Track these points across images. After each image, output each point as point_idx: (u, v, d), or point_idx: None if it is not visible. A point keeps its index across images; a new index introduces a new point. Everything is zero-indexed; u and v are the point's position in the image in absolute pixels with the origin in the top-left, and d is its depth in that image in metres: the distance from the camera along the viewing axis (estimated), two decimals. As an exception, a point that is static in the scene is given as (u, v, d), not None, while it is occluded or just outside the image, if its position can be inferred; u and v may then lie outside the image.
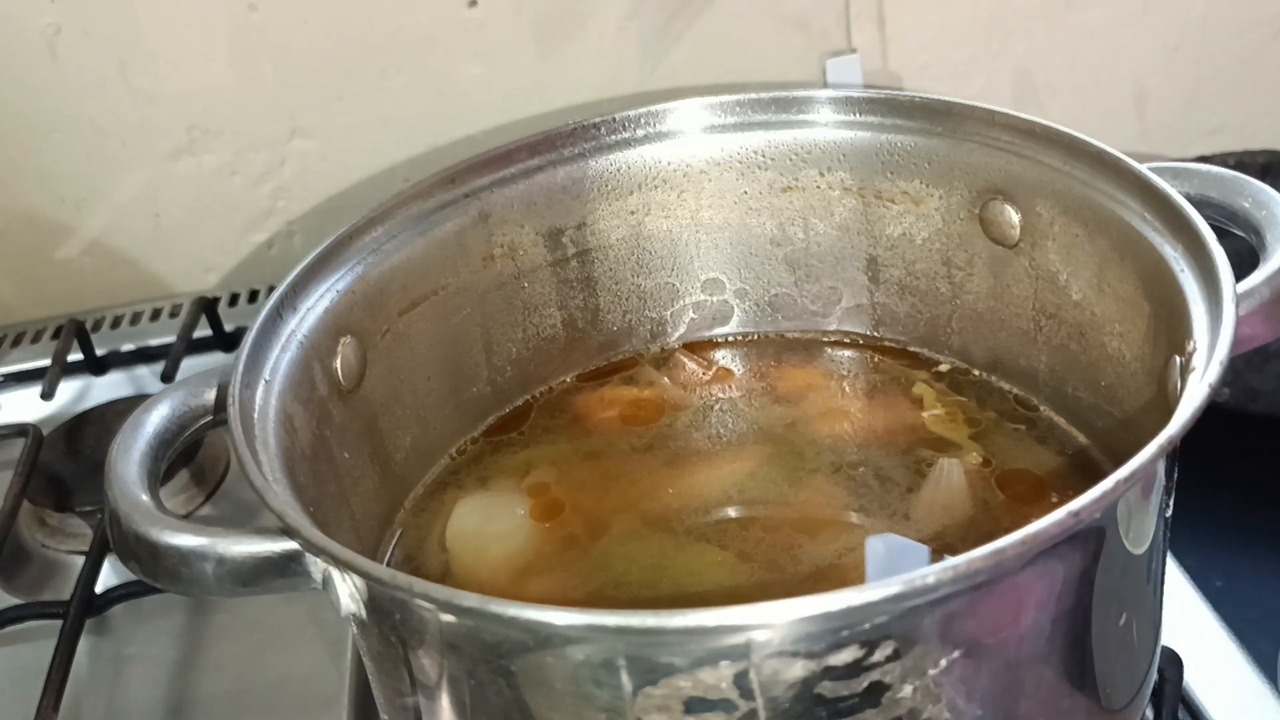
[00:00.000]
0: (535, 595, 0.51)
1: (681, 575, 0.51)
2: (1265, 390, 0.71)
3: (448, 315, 0.58)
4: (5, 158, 0.86)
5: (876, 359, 0.62)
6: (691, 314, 0.64)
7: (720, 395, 0.62)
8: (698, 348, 0.64)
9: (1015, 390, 0.58)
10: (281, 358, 0.49)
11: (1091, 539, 0.39)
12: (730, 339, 0.65)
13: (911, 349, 0.62)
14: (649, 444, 0.59)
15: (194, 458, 0.71)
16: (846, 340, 0.63)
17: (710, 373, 0.63)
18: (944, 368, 0.60)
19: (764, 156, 0.61)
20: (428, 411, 0.58)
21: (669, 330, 0.64)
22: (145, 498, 0.44)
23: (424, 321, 0.57)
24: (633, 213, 0.61)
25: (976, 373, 0.60)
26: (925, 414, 0.58)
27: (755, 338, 0.65)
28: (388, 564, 0.54)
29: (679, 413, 0.61)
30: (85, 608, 0.61)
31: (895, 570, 0.47)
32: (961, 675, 0.38)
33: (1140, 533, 0.41)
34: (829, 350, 0.63)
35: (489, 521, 0.56)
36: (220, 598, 0.60)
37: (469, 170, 0.58)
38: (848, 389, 0.60)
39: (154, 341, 0.85)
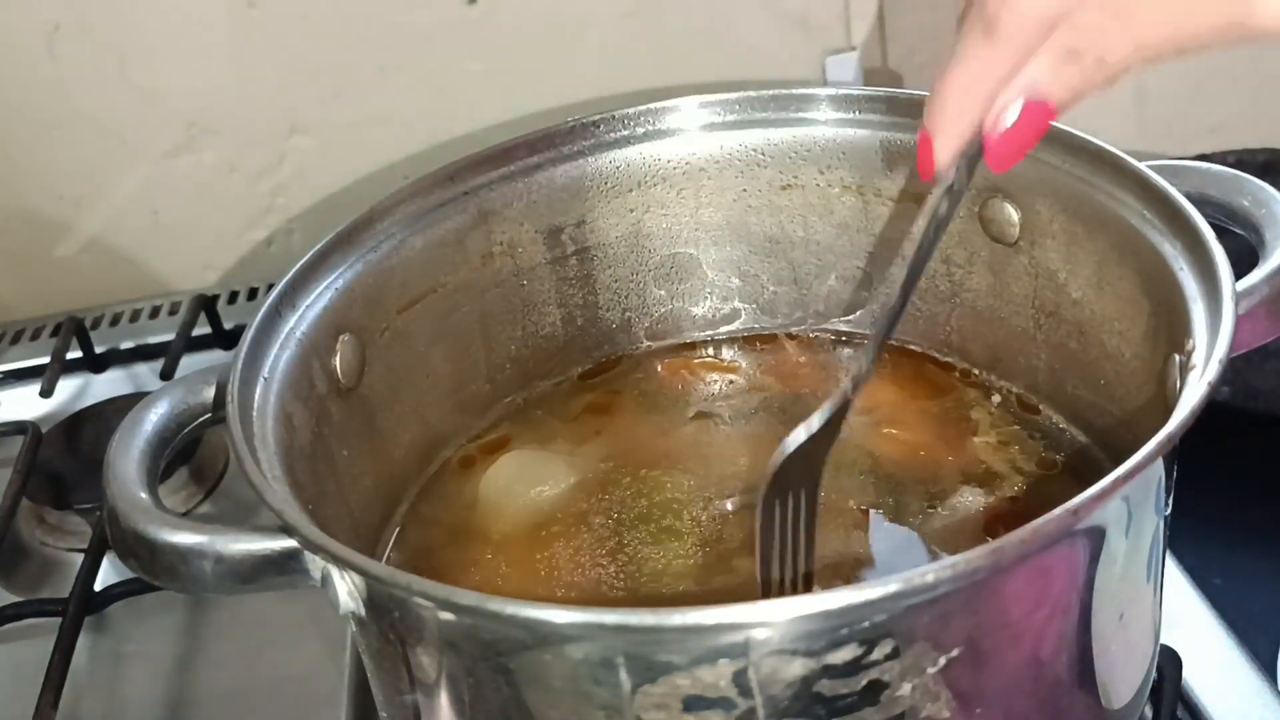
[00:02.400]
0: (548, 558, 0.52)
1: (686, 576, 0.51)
2: (1265, 388, 0.71)
3: (447, 313, 0.58)
4: (4, 155, 0.86)
5: (921, 370, 0.61)
6: (691, 312, 0.64)
7: (724, 396, 0.62)
8: (699, 346, 0.64)
9: (1015, 389, 0.58)
10: (280, 355, 0.49)
11: (1090, 537, 0.39)
12: (731, 337, 0.65)
13: (975, 371, 0.60)
14: (659, 444, 0.59)
15: (193, 455, 0.71)
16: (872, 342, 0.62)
17: (715, 372, 0.63)
18: (996, 398, 0.58)
19: (763, 154, 0.61)
20: (427, 409, 0.58)
21: (668, 328, 0.64)
22: (144, 495, 0.44)
23: (423, 319, 0.57)
24: (632, 210, 0.61)
25: (1041, 407, 0.57)
26: (977, 439, 0.56)
27: (757, 336, 0.64)
28: (386, 562, 0.54)
29: (687, 412, 0.61)
30: (84, 605, 0.61)
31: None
32: (960, 673, 0.38)
33: (1139, 531, 0.41)
34: (845, 351, 0.63)
35: (527, 473, 0.57)
36: (219, 595, 0.60)
37: (468, 168, 0.58)
38: (891, 399, 0.59)
39: (153, 339, 0.85)
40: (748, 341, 0.64)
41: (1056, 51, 0.38)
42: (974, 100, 0.40)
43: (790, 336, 0.64)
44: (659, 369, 0.63)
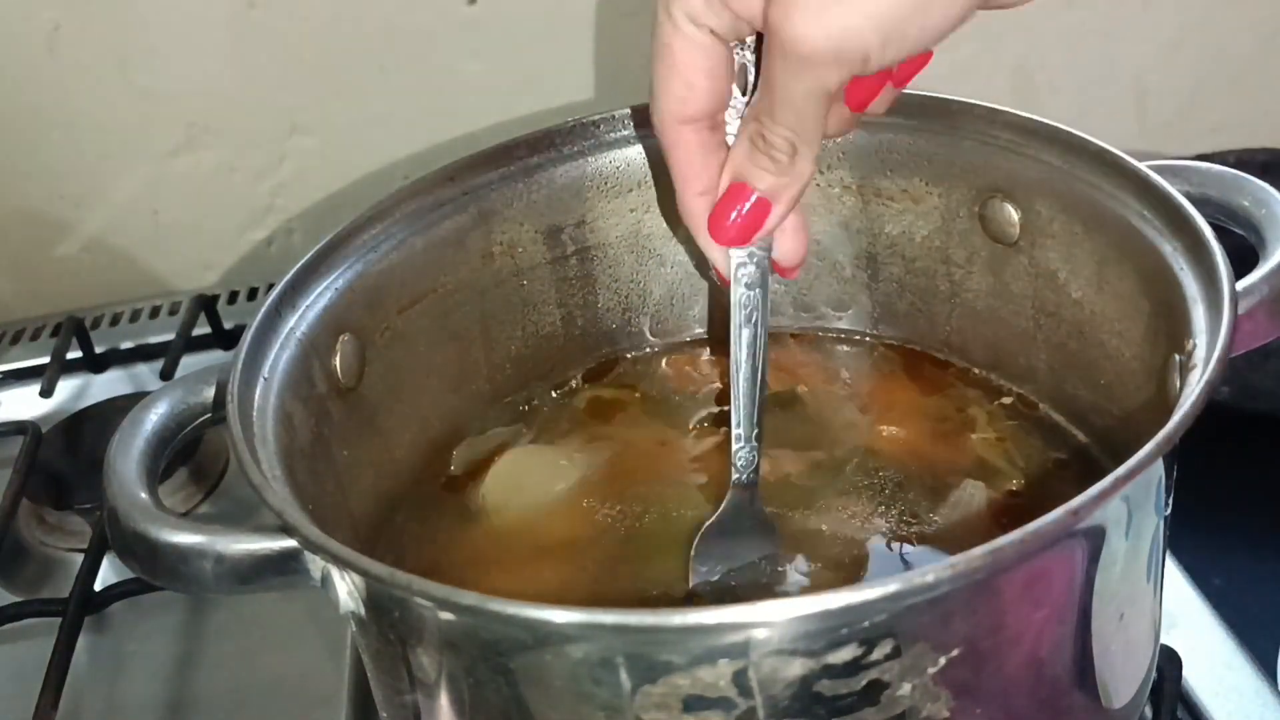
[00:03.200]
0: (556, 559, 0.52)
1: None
2: (1265, 388, 0.71)
3: (447, 313, 0.58)
4: (4, 155, 0.86)
5: (920, 368, 0.60)
6: (692, 312, 0.64)
7: (726, 396, 0.61)
8: (700, 346, 0.64)
9: (1015, 389, 0.58)
10: (280, 355, 0.49)
11: (1090, 537, 0.39)
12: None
13: (975, 371, 0.60)
14: (662, 445, 0.58)
15: (193, 455, 0.71)
16: (878, 344, 0.62)
17: (717, 371, 0.62)
18: (1007, 400, 0.58)
19: (763, 154, 0.60)
20: (427, 409, 0.58)
21: (669, 329, 0.64)
22: (144, 495, 0.44)
23: (423, 319, 0.57)
24: (632, 210, 0.61)
25: (1041, 407, 0.57)
26: (975, 435, 0.56)
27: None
28: (386, 562, 0.54)
29: (691, 412, 0.60)
30: (84, 605, 0.61)
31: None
32: (960, 673, 0.38)
33: (1139, 531, 0.41)
34: (844, 348, 0.63)
35: (532, 473, 0.57)
36: (219, 595, 0.60)
37: (468, 168, 0.58)
38: (891, 396, 0.59)
39: (153, 339, 0.85)
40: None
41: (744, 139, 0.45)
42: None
43: (792, 336, 0.64)
44: (661, 369, 0.63)
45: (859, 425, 0.57)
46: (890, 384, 0.60)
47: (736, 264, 0.48)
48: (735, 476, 0.49)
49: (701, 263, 0.62)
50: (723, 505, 0.50)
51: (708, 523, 0.50)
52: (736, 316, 0.49)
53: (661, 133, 0.46)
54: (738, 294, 0.48)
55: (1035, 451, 0.55)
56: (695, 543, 0.50)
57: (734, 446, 0.49)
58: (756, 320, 0.48)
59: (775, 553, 0.50)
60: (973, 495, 0.53)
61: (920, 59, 0.45)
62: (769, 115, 0.43)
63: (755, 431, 0.49)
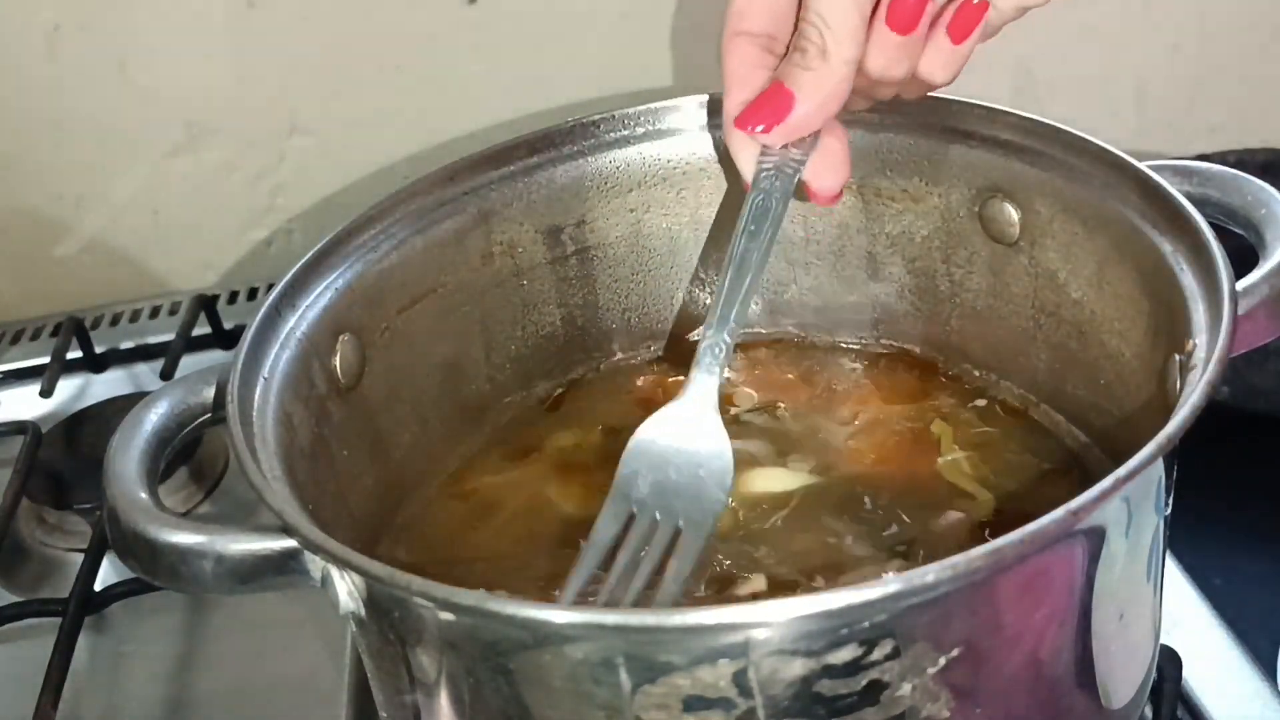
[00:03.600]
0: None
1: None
2: (1265, 388, 0.71)
3: (447, 313, 0.58)
4: (4, 155, 0.86)
5: (903, 378, 0.60)
6: (691, 313, 0.64)
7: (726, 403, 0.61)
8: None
9: (1014, 389, 0.58)
10: (280, 355, 0.49)
11: (1090, 538, 0.39)
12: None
13: (975, 372, 0.59)
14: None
15: (193, 455, 0.71)
16: (864, 351, 0.62)
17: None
18: (994, 399, 0.58)
19: (763, 154, 0.60)
20: (427, 409, 0.58)
21: (669, 330, 0.64)
22: (144, 495, 0.44)
23: (423, 319, 0.57)
24: (632, 210, 0.61)
25: (1041, 407, 0.57)
26: (941, 459, 0.55)
27: (758, 340, 0.64)
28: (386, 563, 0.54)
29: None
30: (84, 605, 0.61)
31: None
32: (960, 674, 0.38)
33: (1139, 531, 0.41)
34: (843, 361, 0.63)
35: None
36: (219, 595, 0.60)
37: (468, 168, 0.58)
38: (863, 413, 0.59)
39: (153, 339, 0.85)
40: (748, 346, 0.64)
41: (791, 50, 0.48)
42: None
43: (799, 345, 0.64)
44: (653, 375, 0.63)
45: (852, 435, 0.57)
46: (883, 393, 0.60)
47: (760, 168, 0.49)
48: (695, 365, 0.46)
49: (732, 173, 0.59)
50: (672, 402, 0.46)
51: (648, 419, 0.46)
52: (745, 214, 0.49)
53: (721, 43, 0.50)
54: (752, 198, 0.49)
55: (1035, 457, 0.55)
56: (630, 442, 0.46)
57: (703, 331, 0.47)
58: (764, 227, 0.49)
59: (725, 479, 0.44)
60: (969, 505, 0.52)
61: (976, 10, 0.47)
62: (804, 8, 0.46)
63: (731, 323, 0.47)
